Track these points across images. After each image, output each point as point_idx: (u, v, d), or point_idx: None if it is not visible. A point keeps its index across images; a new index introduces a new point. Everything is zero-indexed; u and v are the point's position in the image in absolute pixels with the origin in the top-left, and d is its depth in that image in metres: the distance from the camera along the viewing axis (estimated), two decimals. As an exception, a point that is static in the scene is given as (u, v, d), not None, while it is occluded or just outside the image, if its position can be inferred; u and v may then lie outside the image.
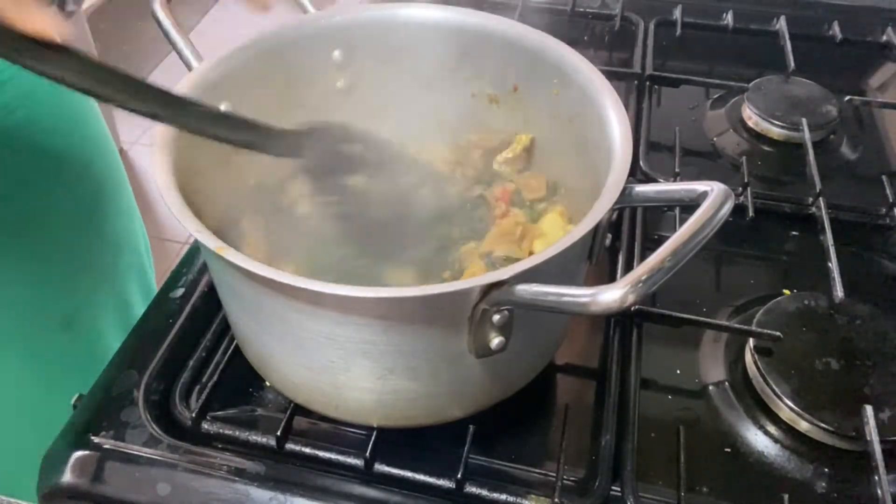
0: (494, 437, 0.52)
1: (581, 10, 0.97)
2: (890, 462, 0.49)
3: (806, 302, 0.59)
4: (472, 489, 0.49)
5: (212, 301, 0.60)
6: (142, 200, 0.93)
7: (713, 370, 0.58)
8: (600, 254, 0.48)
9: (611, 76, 0.53)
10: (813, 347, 0.56)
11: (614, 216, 0.66)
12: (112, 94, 0.40)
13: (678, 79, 0.86)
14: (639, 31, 0.93)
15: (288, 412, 0.52)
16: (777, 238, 0.70)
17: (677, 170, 0.72)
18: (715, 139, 0.81)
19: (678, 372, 0.58)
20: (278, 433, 0.51)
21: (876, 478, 0.48)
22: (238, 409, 0.55)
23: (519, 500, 0.48)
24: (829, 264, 0.62)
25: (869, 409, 0.51)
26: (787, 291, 0.62)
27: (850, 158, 0.79)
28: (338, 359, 0.44)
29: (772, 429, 0.54)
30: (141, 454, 0.51)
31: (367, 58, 0.61)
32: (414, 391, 0.46)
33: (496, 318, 0.40)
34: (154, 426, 0.52)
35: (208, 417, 0.53)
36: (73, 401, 0.55)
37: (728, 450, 0.53)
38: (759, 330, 0.56)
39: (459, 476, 0.49)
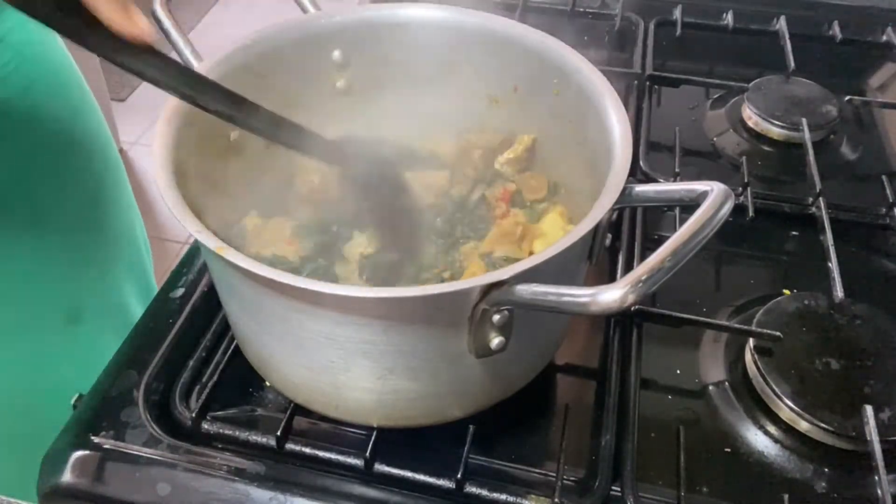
0: (494, 437, 0.52)
1: (581, 10, 0.97)
2: (890, 462, 0.49)
3: (806, 302, 0.59)
4: (472, 489, 0.49)
5: (212, 301, 0.60)
6: (142, 200, 0.93)
7: (713, 370, 0.58)
8: (600, 254, 0.48)
9: (611, 76, 0.53)
10: (813, 347, 0.56)
11: (614, 216, 0.66)
12: (192, 94, 0.45)
13: (678, 79, 0.86)
14: (639, 31, 0.93)
15: (288, 412, 0.52)
16: (777, 238, 0.70)
17: (677, 170, 0.72)
18: (715, 139, 0.81)
19: (678, 372, 0.58)
20: (278, 433, 0.51)
21: (876, 478, 0.48)
22: (238, 409, 0.55)
23: (519, 500, 0.48)
24: (829, 264, 0.62)
25: (869, 409, 0.51)
26: (787, 291, 0.62)
27: (850, 158, 0.79)
28: (338, 359, 0.44)
29: (772, 429, 0.54)
30: (141, 454, 0.51)
31: (367, 58, 0.61)
32: (414, 391, 0.46)
33: (496, 318, 0.40)
34: (154, 426, 0.52)
35: (208, 417, 0.53)
36: (73, 401, 0.55)
37: (728, 450, 0.53)
38: (759, 330, 0.56)
39: (459, 476, 0.49)
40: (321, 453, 0.51)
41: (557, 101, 0.56)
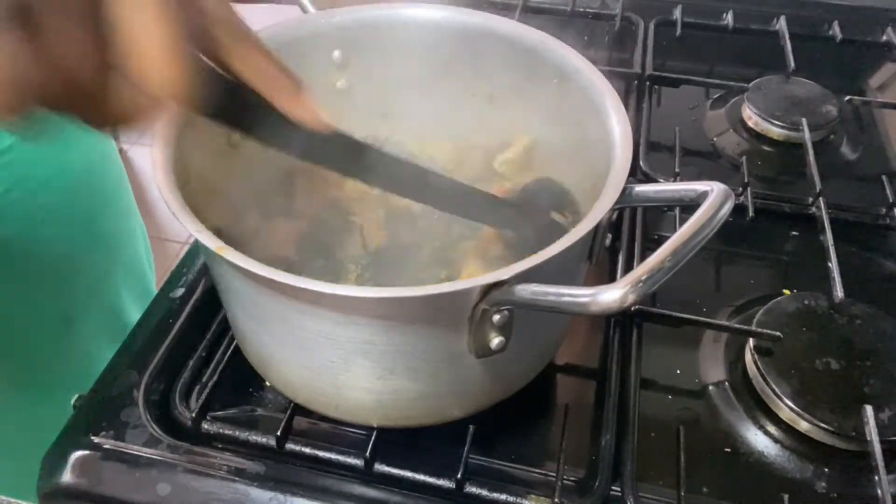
0: (494, 437, 0.52)
1: (581, 10, 0.97)
2: (890, 462, 0.49)
3: (806, 302, 0.59)
4: (472, 489, 0.49)
5: (212, 301, 0.60)
6: (142, 200, 0.93)
7: (713, 370, 0.58)
8: (600, 254, 0.48)
9: (611, 76, 0.53)
10: (813, 347, 0.56)
11: (614, 216, 0.66)
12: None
13: (678, 79, 0.85)
14: (639, 31, 0.93)
15: (288, 412, 0.52)
16: (777, 238, 0.70)
17: (677, 170, 0.72)
18: (715, 139, 0.81)
19: (678, 372, 0.58)
20: (278, 433, 0.51)
21: (876, 478, 0.48)
22: (238, 409, 0.55)
23: (519, 500, 0.48)
24: (829, 264, 0.62)
25: (869, 409, 0.51)
26: (787, 291, 0.62)
27: (850, 158, 0.79)
28: (338, 359, 0.44)
29: (772, 429, 0.54)
30: (141, 454, 0.51)
31: (368, 58, 0.60)
32: (414, 391, 0.46)
33: (496, 318, 0.40)
34: (154, 426, 0.52)
35: (208, 417, 0.53)
36: (73, 401, 0.55)
37: (728, 450, 0.53)
38: (759, 330, 0.56)
39: (459, 476, 0.49)
40: (321, 453, 0.51)
41: (557, 101, 0.56)
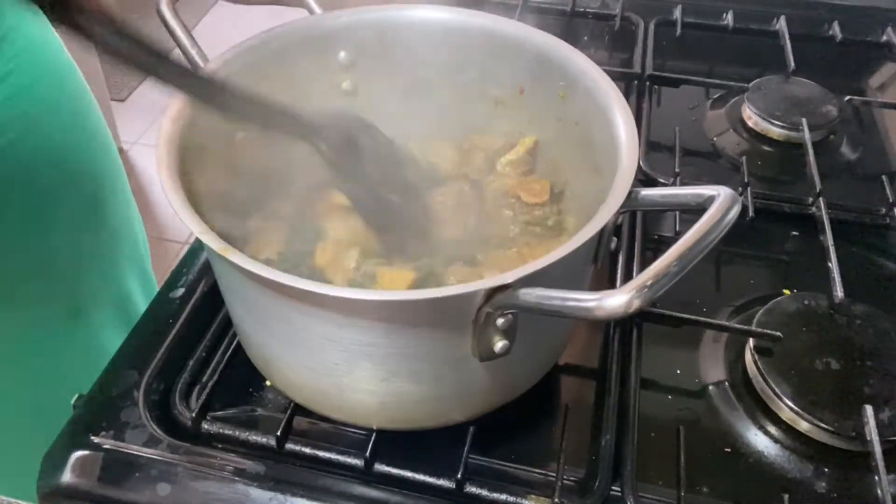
0: (494, 437, 0.52)
1: (581, 10, 0.97)
2: (890, 462, 0.49)
3: (806, 302, 0.59)
4: (472, 489, 0.49)
5: (212, 301, 0.60)
6: (142, 201, 0.93)
7: (713, 370, 0.58)
8: (605, 257, 0.48)
9: (611, 76, 0.53)
10: (813, 347, 0.56)
11: (619, 219, 0.66)
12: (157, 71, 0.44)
13: (678, 79, 0.86)
14: (639, 31, 0.93)
15: (288, 412, 0.52)
16: (777, 238, 0.70)
17: (677, 170, 0.72)
18: (715, 139, 0.81)
19: (678, 372, 0.58)
20: (278, 433, 0.51)
21: (876, 478, 0.48)
22: (238, 409, 0.55)
23: (519, 500, 0.48)
24: (829, 264, 0.62)
25: (869, 409, 0.51)
26: (787, 291, 0.62)
27: (850, 158, 0.79)
28: (341, 361, 0.44)
29: (772, 429, 0.54)
30: (141, 454, 0.51)
31: (373, 59, 0.60)
32: (417, 394, 0.46)
33: (500, 321, 0.40)
34: (154, 426, 0.52)
35: (208, 417, 0.53)
36: (73, 401, 0.55)
37: (728, 450, 0.53)
38: (759, 330, 0.56)
39: (459, 476, 0.49)
40: (321, 453, 0.51)
41: (563, 103, 0.56)
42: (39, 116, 0.69)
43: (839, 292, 0.59)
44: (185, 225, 0.41)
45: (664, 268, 0.36)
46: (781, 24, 0.92)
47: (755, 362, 0.55)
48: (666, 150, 0.77)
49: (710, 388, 0.57)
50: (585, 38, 0.96)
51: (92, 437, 0.51)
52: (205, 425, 0.52)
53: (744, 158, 0.74)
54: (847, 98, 0.82)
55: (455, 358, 0.44)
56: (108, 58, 0.42)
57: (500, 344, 0.42)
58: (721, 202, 0.40)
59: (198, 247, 0.65)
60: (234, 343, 0.57)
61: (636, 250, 0.65)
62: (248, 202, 0.56)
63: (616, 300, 0.36)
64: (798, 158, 0.74)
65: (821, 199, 0.68)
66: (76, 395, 0.55)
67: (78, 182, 0.76)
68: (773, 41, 0.91)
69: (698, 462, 0.51)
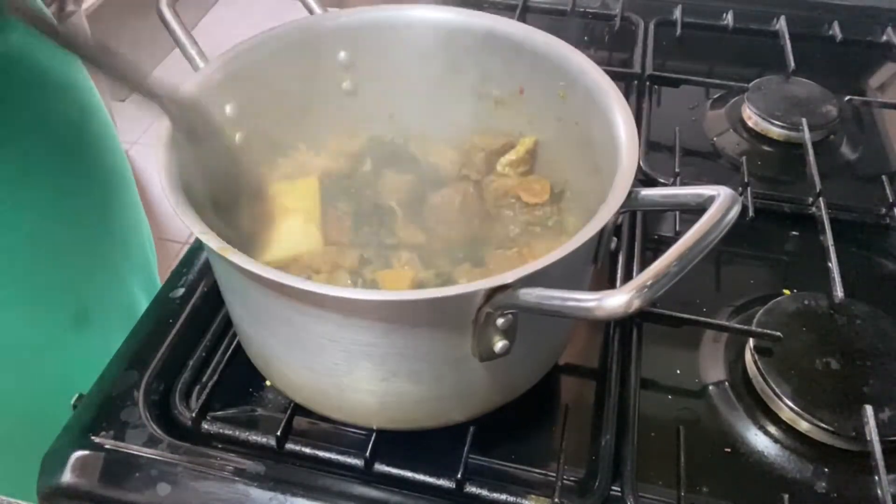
0: (494, 437, 0.52)
1: (581, 10, 0.97)
2: (890, 462, 0.49)
3: (806, 302, 0.59)
4: (472, 489, 0.49)
5: (212, 301, 0.60)
6: (142, 200, 0.93)
7: (713, 370, 0.58)
8: (605, 257, 0.48)
9: (611, 76, 0.53)
10: (813, 347, 0.56)
11: (619, 219, 0.66)
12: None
13: (678, 79, 0.85)
14: (639, 31, 0.93)
15: (288, 412, 0.52)
16: (777, 238, 0.70)
17: (677, 170, 0.72)
18: (715, 139, 0.81)
19: (678, 372, 0.58)
20: (278, 433, 0.51)
21: (876, 478, 0.48)
22: (238, 409, 0.55)
23: (519, 500, 0.48)
24: (829, 264, 0.62)
25: (869, 409, 0.51)
26: (787, 291, 0.62)
27: (850, 158, 0.79)
28: (341, 361, 0.44)
29: (772, 429, 0.54)
30: (141, 454, 0.51)
31: (373, 59, 0.60)
32: (417, 394, 0.46)
33: (500, 321, 0.40)
34: (154, 426, 0.52)
35: (208, 417, 0.53)
36: (73, 401, 0.55)
37: (728, 450, 0.53)
38: (759, 330, 0.56)
39: (459, 476, 0.49)
40: (321, 453, 0.51)
41: (563, 103, 0.56)
42: (47, 117, 0.69)
43: (839, 292, 0.59)
44: (185, 225, 0.41)
45: (664, 268, 0.36)
46: (781, 24, 0.92)
47: (755, 362, 0.55)
48: (666, 150, 0.77)
49: (710, 388, 0.57)
50: (585, 38, 0.96)
51: (92, 437, 0.51)
52: (205, 425, 0.52)
53: (744, 158, 0.74)
54: (847, 98, 0.82)
55: (455, 358, 0.43)
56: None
57: (500, 344, 0.42)
58: (721, 202, 0.40)
59: (198, 247, 0.65)
60: (234, 343, 0.57)
61: (636, 250, 0.65)
62: (248, 202, 0.56)
63: (616, 300, 0.35)
64: (798, 158, 0.74)
65: (821, 199, 0.68)
66: (76, 395, 0.55)
67: (86, 184, 0.76)
68: (773, 41, 0.91)
69: (698, 462, 0.51)
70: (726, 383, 0.57)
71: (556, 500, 0.48)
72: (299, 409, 0.52)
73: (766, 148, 0.79)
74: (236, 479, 0.49)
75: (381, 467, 0.50)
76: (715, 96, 0.86)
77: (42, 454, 0.52)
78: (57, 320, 0.76)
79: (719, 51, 0.95)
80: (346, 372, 0.45)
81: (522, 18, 0.89)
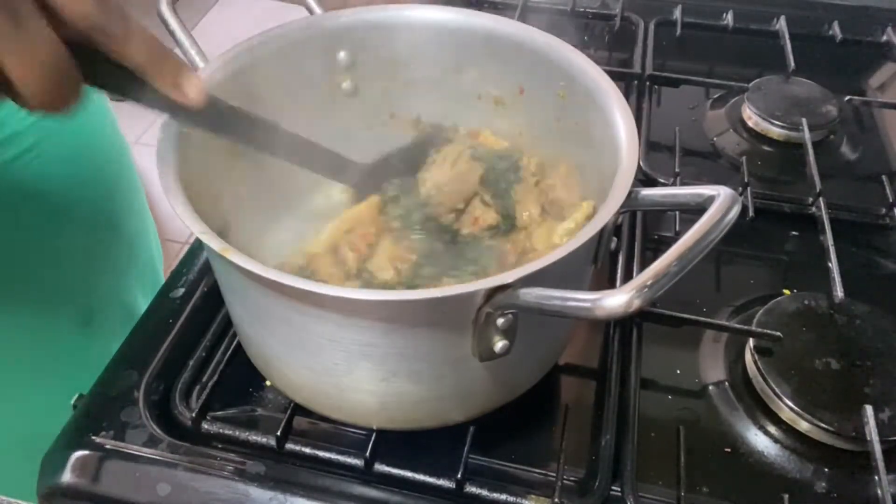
0: (494, 437, 0.52)
1: (581, 10, 0.97)
2: (890, 462, 0.49)
3: (806, 302, 0.59)
4: (472, 489, 0.49)
5: (212, 301, 0.60)
6: (142, 200, 0.93)
7: (713, 370, 0.58)
8: (605, 257, 0.48)
9: (611, 76, 0.53)
10: (813, 347, 0.56)
11: (619, 219, 0.66)
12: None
13: (678, 79, 0.85)
14: (639, 31, 0.93)
15: (288, 412, 0.52)
16: (777, 238, 0.70)
17: (677, 170, 0.72)
18: (715, 139, 0.81)
19: (678, 372, 0.58)
20: (278, 433, 0.51)
21: (876, 478, 0.48)
22: (238, 409, 0.55)
23: (519, 500, 0.48)
24: (829, 264, 0.62)
25: (869, 409, 0.51)
26: (787, 291, 0.62)
27: (850, 158, 0.79)
28: (341, 361, 0.44)
29: (772, 429, 0.54)
30: (141, 454, 0.51)
31: (373, 59, 0.60)
32: (417, 394, 0.46)
33: (500, 321, 0.40)
34: (154, 426, 0.52)
35: (208, 417, 0.53)
36: (73, 401, 0.55)
37: (728, 450, 0.53)
38: (759, 330, 0.56)
39: (459, 476, 0.49)
40: (321, 453, 0.51)
41: (563, 103, 0.56)
42: (55, 123, 0.69)
43: (839, 292, 0.59)
44: (185, 225, 0.41)
45: (664, 268, 0.36)
46: (781, 24, 0.92)
47: (755, 362, 0.55)
48: (666, 150, 0.77)
49: (710, 388, 0.57)
50: (585, 38, 0.96)
51: (92, 437, 0.51)
52: (205, 425, 0.52)
53: (744, 158, 0.74)
54: (847, 98, 0.82)
55: (455, 358, 0.43)
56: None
57: (500, 344, 0.42)
58: (721, 202, 0.40)
59: (198, 247, 0.65)
60: (234, 343, 0.57)
61: (636, 250, 0.65)
62: (249, 202, 0.56)
63: (616, 300, 0.35)
64: (798, 158, 0.74)
65: (821, 199, 0.68)
66: (76, 395, 0.55)
67: (93, 188, 0.76)
68: (773, 41, 0.91)
69: (698, 462, 0.51)
70: (726, 383, 0.57)
71: (556, 500, 0.48)
72: (299, 409, 0.52)
73: (766, 148, 0.79)
74: (236, 479, 0.49)
75: (381, 467, 0.50)
76: (715, 96, 0.86)
77: (42, 454, 0.52)
78: (63, 324, 0.76)
79: (719, 51, 0.95)
80: (345, 372, 0.45)
81: (522, 18, 0.89)
